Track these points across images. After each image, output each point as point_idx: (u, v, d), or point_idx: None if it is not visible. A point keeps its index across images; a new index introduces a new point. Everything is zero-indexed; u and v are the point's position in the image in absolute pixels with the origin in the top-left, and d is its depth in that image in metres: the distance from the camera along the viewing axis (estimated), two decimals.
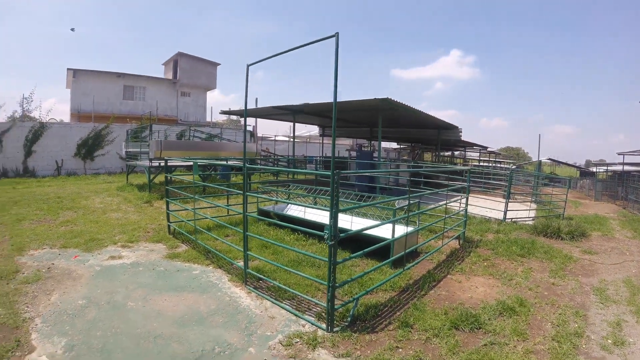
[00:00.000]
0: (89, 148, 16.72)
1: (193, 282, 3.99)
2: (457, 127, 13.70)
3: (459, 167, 9.26)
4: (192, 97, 29.21)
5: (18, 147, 14.60)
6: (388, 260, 4.15)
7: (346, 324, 3.07)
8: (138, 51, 77.79)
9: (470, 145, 22.18)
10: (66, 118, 25.00)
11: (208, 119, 30.96)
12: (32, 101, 17.32)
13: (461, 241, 6.00)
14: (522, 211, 8.36)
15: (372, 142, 18.23)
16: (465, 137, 15.10)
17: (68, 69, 21.62)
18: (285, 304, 3.45)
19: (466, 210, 6.15)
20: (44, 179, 13.75)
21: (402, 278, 4.26)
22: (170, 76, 28.26)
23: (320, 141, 19.85)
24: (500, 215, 7.80)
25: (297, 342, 2.79)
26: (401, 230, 4.92)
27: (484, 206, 8.15)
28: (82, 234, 5.80)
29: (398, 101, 8.78)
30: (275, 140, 25.36)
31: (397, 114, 10.95)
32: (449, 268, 4.75)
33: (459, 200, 6.41)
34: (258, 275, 3.92)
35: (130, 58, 74.82)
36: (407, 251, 4.42)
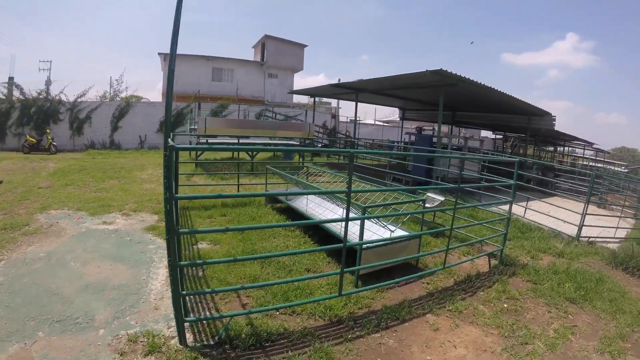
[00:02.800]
0: (171, 125, 19.53)
1: (136, 256, 4.39)
2: (549, 113, 11.54)
3: (505, 158, 7.65)
4: (279, 78, 31.13)
5: (105, 123, 18.06)
6: (328, 274, 3.72)
7: (212, 343, 2.72)
8: (234, 35, 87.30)
9: (570, 138, 18.68)
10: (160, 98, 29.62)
11: (295, 100, 32.74)
12: (122, 82, 20.91)
13: (494, 261, 4.85)
14: (609, 228, 6.48)
15: (459, 127, 16.53)
16: (577, 132, 12.56)
17: (159, 53, 25.56)
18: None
19: (508, 220, 4.86)
20: (126, 152, 16.74)
21: (350, 303, 3.43)
22: (259, 59, 30.63)
23: (400, 125, 18.98)
24: (574, 231, 6.18)
25: (142, 341, 2.70)
26: (397, 232, 4.46)
27: (557, 216, 6.60)
28: (103, 199, 6.91)
29: (455, 73, 7.70)
30: (357, 123, 25.38)
31: (471, 94, 9.65)
32: (437, 302, 3.64)
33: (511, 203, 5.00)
34: (194, 262, 4.08)
35: (224, 42, 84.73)
36: (386, 262, 3.91)
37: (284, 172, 6.63)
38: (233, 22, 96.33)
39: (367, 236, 4.35)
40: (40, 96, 16.80)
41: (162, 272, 3.96)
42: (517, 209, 7.26)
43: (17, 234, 4.93)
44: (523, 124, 12.46)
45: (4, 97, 16.38)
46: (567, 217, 6.52)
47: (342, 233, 4.15)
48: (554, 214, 6.73)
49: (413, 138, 12.78)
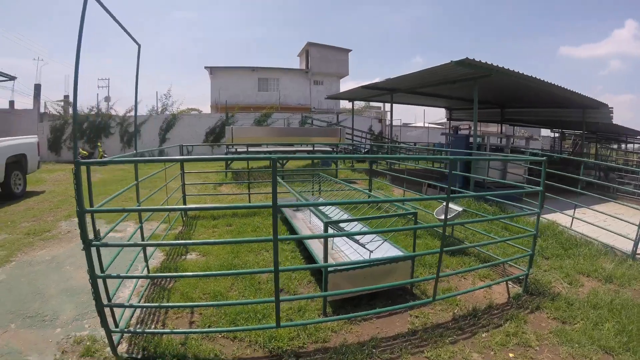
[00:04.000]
0: (216, 135, 20.71)
1: (126, 263, 4.59)
2: (605, 105, 10.22)
3: (525, 157, 6.75)
4: (325, 85, 31.57)
5: (154, 135, 19.77)
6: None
7: (139, 357, 2.79)
8: (278, 45, 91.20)
9: (634, 133, 16.29)
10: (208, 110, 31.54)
11: (343, 105, 32.94)
12: (170, 97, 22.72)
13: (517, 289, 4.11)
14: None
15: (512, 126, 15.22)
16: None
17: (205, 67, 27.28)
18: None
19: (535, 237, 4.06)
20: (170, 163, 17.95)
21: (304, 334, 3.06)
22: (304, 67, 31.41)
23: (447, 126, 18.12)
24: (629, 246, 5.29)
25: (84, 344, 2.89)
26: (390, 252, 4.04)
27: (612, 229, 5.73)
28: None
29: (485, 62, 7.14)
30: (402, 126, 24.89)
31: (514, 87, 8.91)
32: (416, 345, 3.03)
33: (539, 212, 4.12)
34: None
35: (269, 53, 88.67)
36: (358, 290, 3.44)
37: (283, 181, 6.62)
38: (277, 33, 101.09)
39: (352, 256, 4.10)
40: (92, 112, 18.84)
41: (140, 282, 4.13)
42: (563, 219, 6.46)
43: (36, 239, 5.52)
44: (577, 118, 11.17)
45: (58, 114, 18.61)
46: (624, 229, 5.62)
47: (317, 252, 3.99)
48: (609, 224, 5.87)
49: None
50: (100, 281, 2.65)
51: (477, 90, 8.21)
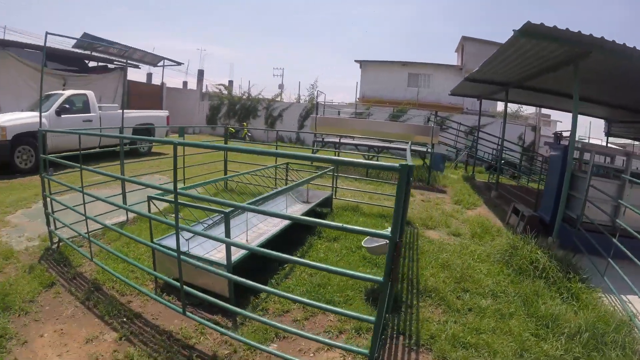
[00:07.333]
0: None
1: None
2: None
3: None
4: None
5: (294, 121, 21.41)
6: None
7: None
8: (434, 40, 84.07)
9: None
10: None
11: (499, 109, 28.22)
12: (317, 87, 24.00)
13: None
14: None
15: None
16: None
17: (355, 60, 27.50)
18: None
19: None
20: (298, 146, 19.19)
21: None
22: (460, 63, 28.27)
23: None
24: None
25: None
26: None
27: None
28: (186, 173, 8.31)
29: (555, 27, 4.71)
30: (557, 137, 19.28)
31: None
32: None
33: None
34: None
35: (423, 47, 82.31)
36: None
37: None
38: (432, 26, 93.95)
39: None
40: (244, 96, 21.87)
41: None
42: None
43: None
44: None
45: (215, 95, 22.28)
46: None
47: None
48: None
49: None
50: None
51: (577, 77, 5.52)
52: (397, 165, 1.83)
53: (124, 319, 2.96)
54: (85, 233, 3.60)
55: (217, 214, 3.63)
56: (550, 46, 5.32)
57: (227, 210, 3.12)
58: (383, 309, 1.96)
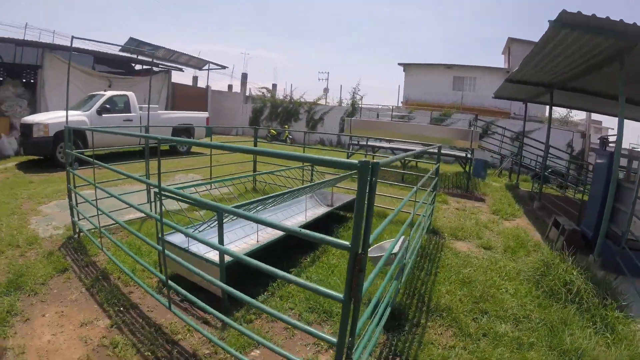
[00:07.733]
0: None
1: None
2: None
3: None
4: None
5: (335, 125, 21.39)
6: None
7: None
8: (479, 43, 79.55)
9: None
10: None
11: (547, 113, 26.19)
12: (359, 90, 23.51)
13: None
14: None
15: None
16: None
17: (399, 64, 26.81)
18: None
19: None
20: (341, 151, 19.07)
21: None
22: (507, 66, 26.70)
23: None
24: None
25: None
26: None
27: None
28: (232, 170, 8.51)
29: (594, 15, 4.21)
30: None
31: None
32: None
33: None
34: None
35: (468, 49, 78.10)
36: None
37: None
38: (478, 28, 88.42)
39: None
40: (286, 99, 22.21)
41: None
42: None
43: None
44: None
45: (258, 98, 22.75)
46: None
47: None
48: None
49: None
50: None
51: (622, 78, 4.92)
52: (356, 162, 1.70)
53: (121, 308, 3.09)
54: (101, 226, 3.82)
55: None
56: (591, 39, 4.82)
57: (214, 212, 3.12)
58: (345, 330, 1.83)
